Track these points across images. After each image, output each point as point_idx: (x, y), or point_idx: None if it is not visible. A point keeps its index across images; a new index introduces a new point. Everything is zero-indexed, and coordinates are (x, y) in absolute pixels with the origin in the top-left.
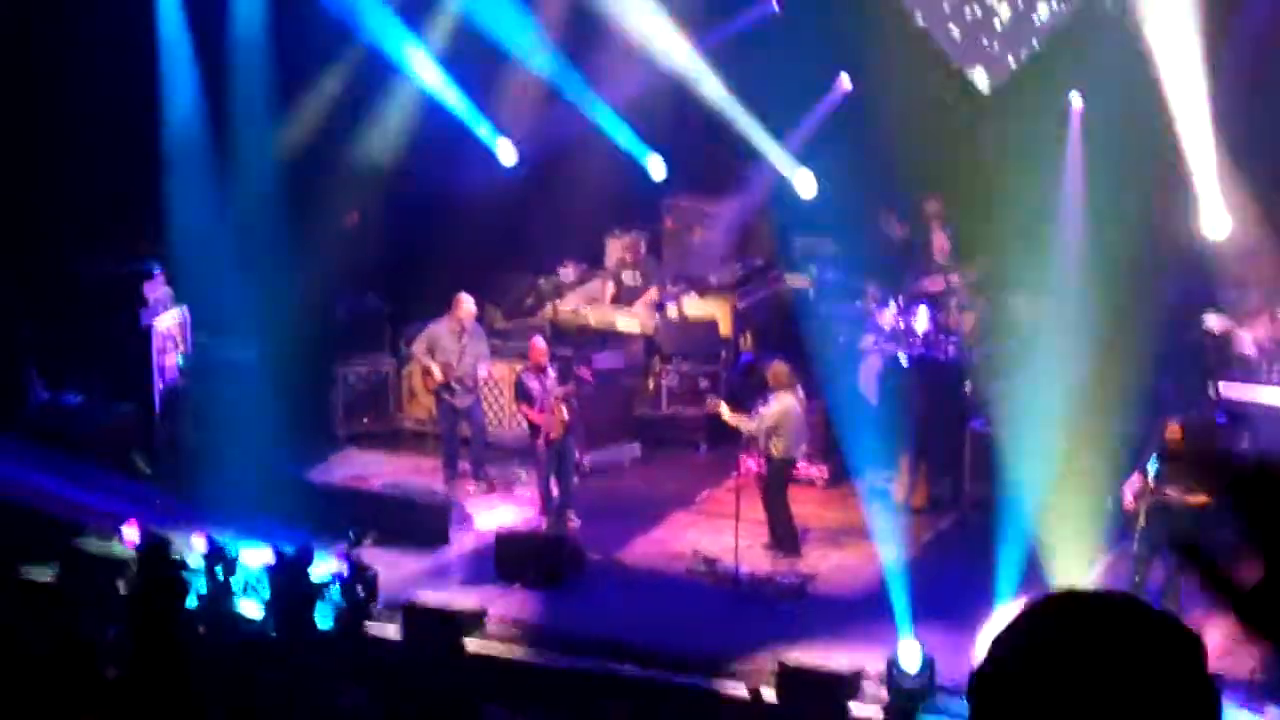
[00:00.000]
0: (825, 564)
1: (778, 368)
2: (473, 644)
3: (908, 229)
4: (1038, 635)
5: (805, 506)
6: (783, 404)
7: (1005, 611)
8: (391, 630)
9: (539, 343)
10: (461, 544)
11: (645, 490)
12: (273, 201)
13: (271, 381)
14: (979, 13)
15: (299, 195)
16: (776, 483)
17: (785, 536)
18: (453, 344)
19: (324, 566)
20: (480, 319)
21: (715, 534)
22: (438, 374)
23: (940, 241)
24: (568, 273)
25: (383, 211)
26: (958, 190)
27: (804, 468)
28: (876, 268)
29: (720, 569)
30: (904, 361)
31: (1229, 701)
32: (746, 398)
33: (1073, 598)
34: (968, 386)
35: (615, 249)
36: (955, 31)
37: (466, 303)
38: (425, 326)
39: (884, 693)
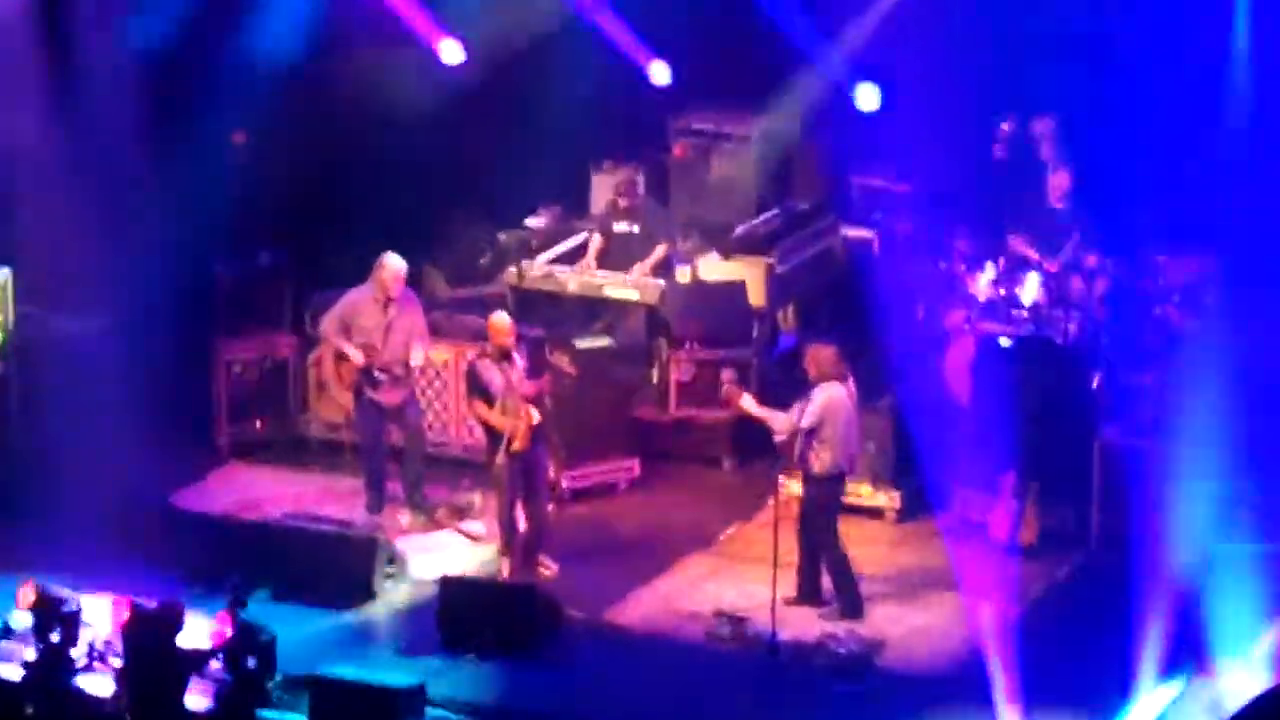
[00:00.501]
0: (896, 628)
1: (820, 352)
2: None
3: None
4: None
5: (868, 547)
6: (829, 396)
7: (1153, 699)
8: (294, 715)
9: (501, 319)
10: (391, 598)
11: (647, 523)
12: (125, 119)
13: (125, 370)
14: None
15: (162, 110)
16: (819, 509)
17: (840, 588)
18: (376, 319)
19: (200, 628)
20: (415, 286)
21: (744, 584)
22: (356, 360)
23: (1058, 179)
24: (538, 222)
25: (280, 134)
26: (1082, 109)
27: (864, 492)
28: (968, 214)
29: (751, 634)
30: (1007, 345)
31: None
32: (788, 395)
33: None
34: (1096, 380)
35: (604, 189)
36: None
37: (392, 263)
38: (340, 296)
39: None
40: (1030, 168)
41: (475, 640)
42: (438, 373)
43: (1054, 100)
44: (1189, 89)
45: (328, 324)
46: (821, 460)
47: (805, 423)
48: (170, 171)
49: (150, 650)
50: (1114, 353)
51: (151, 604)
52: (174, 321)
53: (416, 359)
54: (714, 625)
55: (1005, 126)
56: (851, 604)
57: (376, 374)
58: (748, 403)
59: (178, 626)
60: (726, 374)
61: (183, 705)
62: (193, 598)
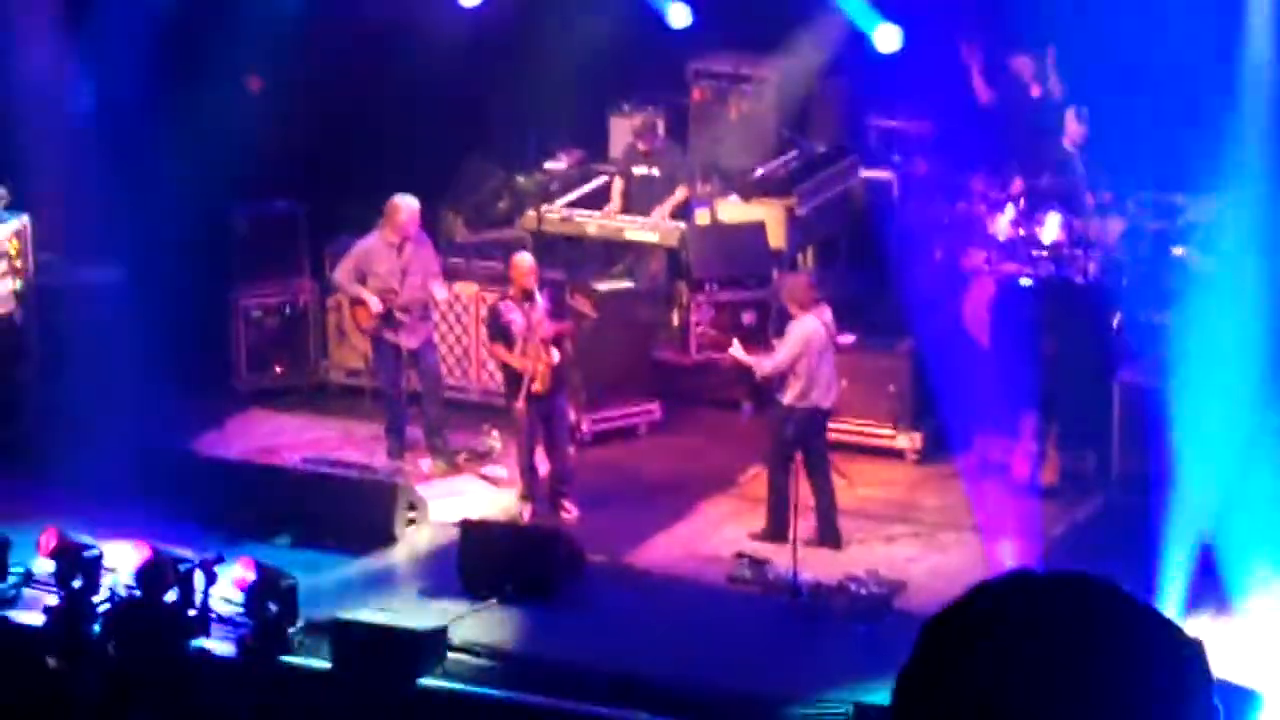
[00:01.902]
0: (918, 569)
1: (794, 282)
2: (429, 680)
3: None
4: (976, 629)
5: (890, 489)
6: (804, 329)
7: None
8: (316, 661)
9: (524, 259)
10: (413, 542)
11: (668, 467)
12: (142, 66)
13: (145, 317)
14: None
15: (179, 56)
16: (781, 439)
17: (772, 510)
18: (391, 262)
19: (221, 574)
20: (434, 230)
21: (765, 527)
22: (375, 307)
23: (1073, 125)
24: (557, 165)
25: (297, 79)
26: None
27: (886, 434)
28: (987, 156)
29: (773, 576)
30: (1027, 285)
31: None
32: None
33: (1026, 581)
34: (1117, 320)
35: (622, 132)
36: None
37: (405, 206)
38: (355, 242)
39: None
40: (1044, 115)
41: (496, 584)
42: (457, 316)
43: (1071, 34)
44: (1210, 22)
45: (342, 272)
46: (791, 391)
47: (780, 360)
48: (187, 118)
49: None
50: (1134, 293)
51: (172, 551)
52: (192, 269)
53: (440, 294)
54: (735, 568)
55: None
56: (777, 529)
57: (397, 316)
58: (738, 350)
59: (200, 572)
60: (746, 315)
61: (205, 650)
62: (213, 544)
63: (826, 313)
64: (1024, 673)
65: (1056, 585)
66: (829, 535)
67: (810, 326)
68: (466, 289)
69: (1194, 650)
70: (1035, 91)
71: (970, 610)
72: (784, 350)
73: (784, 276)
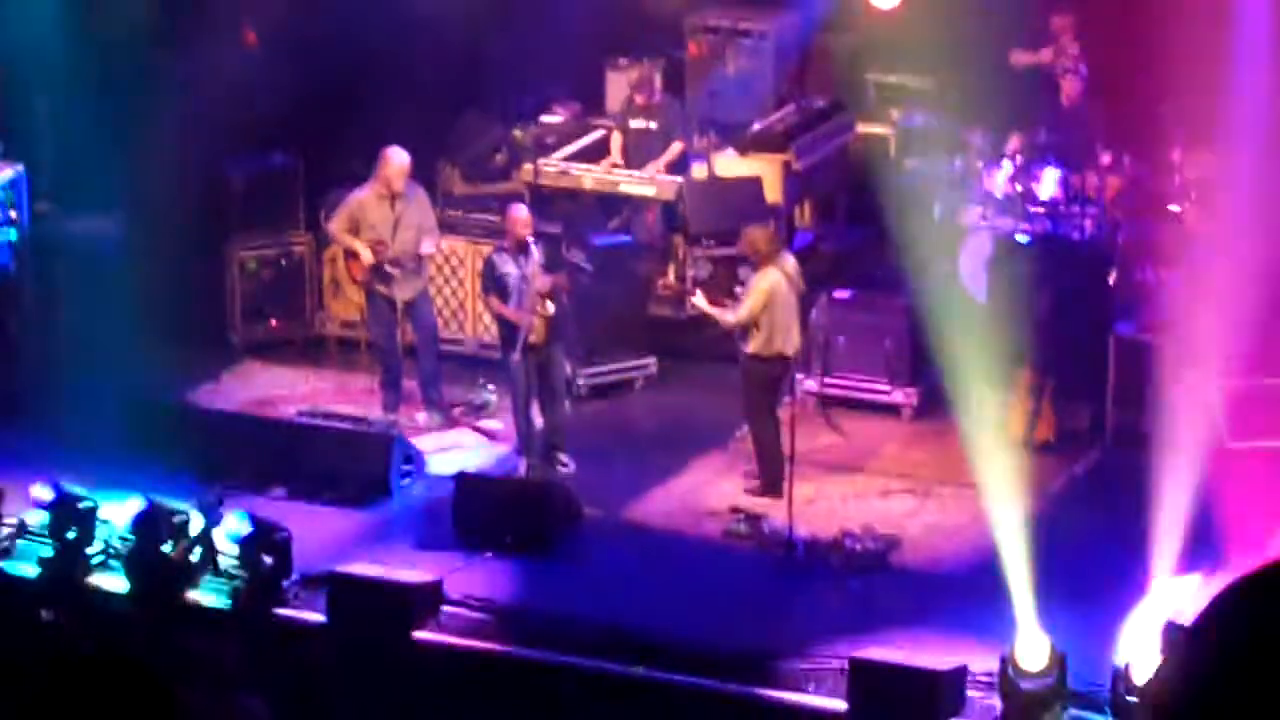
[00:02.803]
0: (913, 524)
1: (754, 233)
2: (424, 633)
3: (1039, 54)
4: (1249, 628)
5: (886, 444)
6: (768, 281)
7: (1167, 591)
8: (311, 614)
9: (519, 210)
10: (408, 495)
11: (664, 421)
12: (138, 17)
13: (140, 269)
14: None
15: (175, 7)
16: (751, 387)
17: (761, 461)
18: (383, 214)
19: (216, 525)
20: (430, 183)
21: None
22: (366, 257)
23: (1072, 83)
24: (554, 119)
25: (291, 31)
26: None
27: (882, 390)
28: (985, 110)
29: (768, 530)
30: (1023, 241)
31: None
32: (805, 294)
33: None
34: (1113, 276)
35: (619, 85)
36: None
37: (395, 158)
38: (349, 193)
39: (995, 701)
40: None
41: (492, 538)
42: (453, 269)
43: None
44: None
45: (335, 223)
46: (756, 340)
47: (744, 313)
48: (183, 70)
49: (165, 549)
50: (1130, 249)
51: (167, 502)
52: (188, 221)
53: (427, 249)
54: (731, 523)
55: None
56: (771, 481)
57: (388, 268)
58: (700, 302)
59: (195, 524)
60: (743, 271)
61: (198, 602)
62: (208, 495)
63: (789, 262)
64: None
65: None
66: (769, 478)
67: (773, 278)
68: (460, 248)
69: None
70: (1074, 49)
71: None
72: (748, 302)
73: (747, 229)
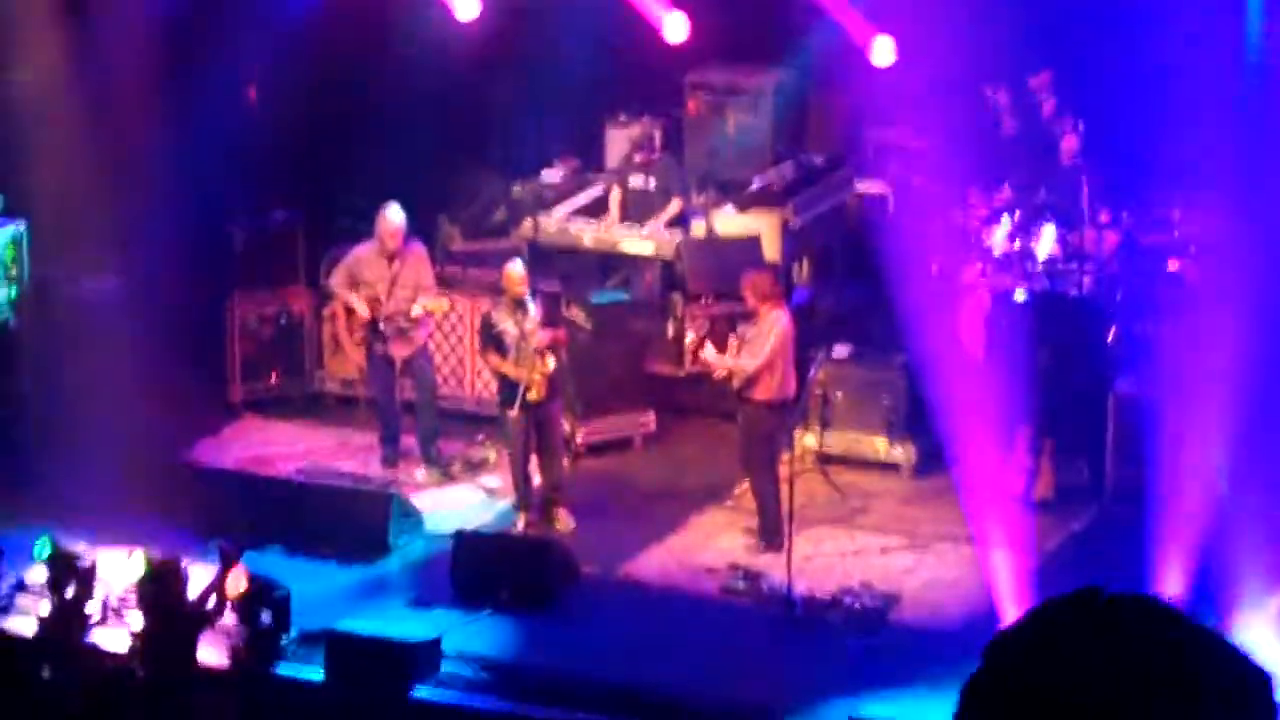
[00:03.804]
0: (913, 581)
1: (757, 277)
2: (423, 691)
3: (1023, 116)
4: (1040, 649)
5: (884, 501)
6: (781, 322)
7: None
8: (310, 671)
9: (515, 268)
10: (407, 552)
11: (662, 478)
12: (140, 72)
13: (141, 325)
14: None
15: (176, 63)
16: (760, 436)
17: (763, 514)
18: (380, 272)
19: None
20: (430, 239)
21: (758, 539)
22: (361, 312)
23: (1068, 142)
24: (553, 175)
25: (293, 88)
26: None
27: (879, 446)
28: (982, 169)
29: (767, 588)
30: (1021, 298)
31: None
32: (803, 348)
33: (1092, 600)
34: (1111, 333)
35: (619, 142)
36: None
37: (390, 216)
38: (349, 250)
39: None
40: (1040, 132)
41: (491, 595)
42: (452, 326)
43: (1068, 50)
44: (1205, 33)
45: (335, 278)
46: (767, 387)
47: (764, 355)
48: (185, 126)
49: (165, 605)
50: (1128, 306)
51: (167, 558)
52: (189, 278)
53: (416, 310)
54: (729, 579)
55: (1001, 96)
56: (772, 533)
57: (382, 327)
58: (710, 354)
59: (183, 581)
60: (740, 328)
61: (194, 660)
62: (207, 552)
63: (786, 307)
64: (1087, 694)
65: (1121, 606)
66: (771, 532)
67: (784, 324)
68: (435, 304)
69: (1261, 681)
70: (1049, 109)
71: (1035, 627)
72: (766, 344)
73: (749, 274)
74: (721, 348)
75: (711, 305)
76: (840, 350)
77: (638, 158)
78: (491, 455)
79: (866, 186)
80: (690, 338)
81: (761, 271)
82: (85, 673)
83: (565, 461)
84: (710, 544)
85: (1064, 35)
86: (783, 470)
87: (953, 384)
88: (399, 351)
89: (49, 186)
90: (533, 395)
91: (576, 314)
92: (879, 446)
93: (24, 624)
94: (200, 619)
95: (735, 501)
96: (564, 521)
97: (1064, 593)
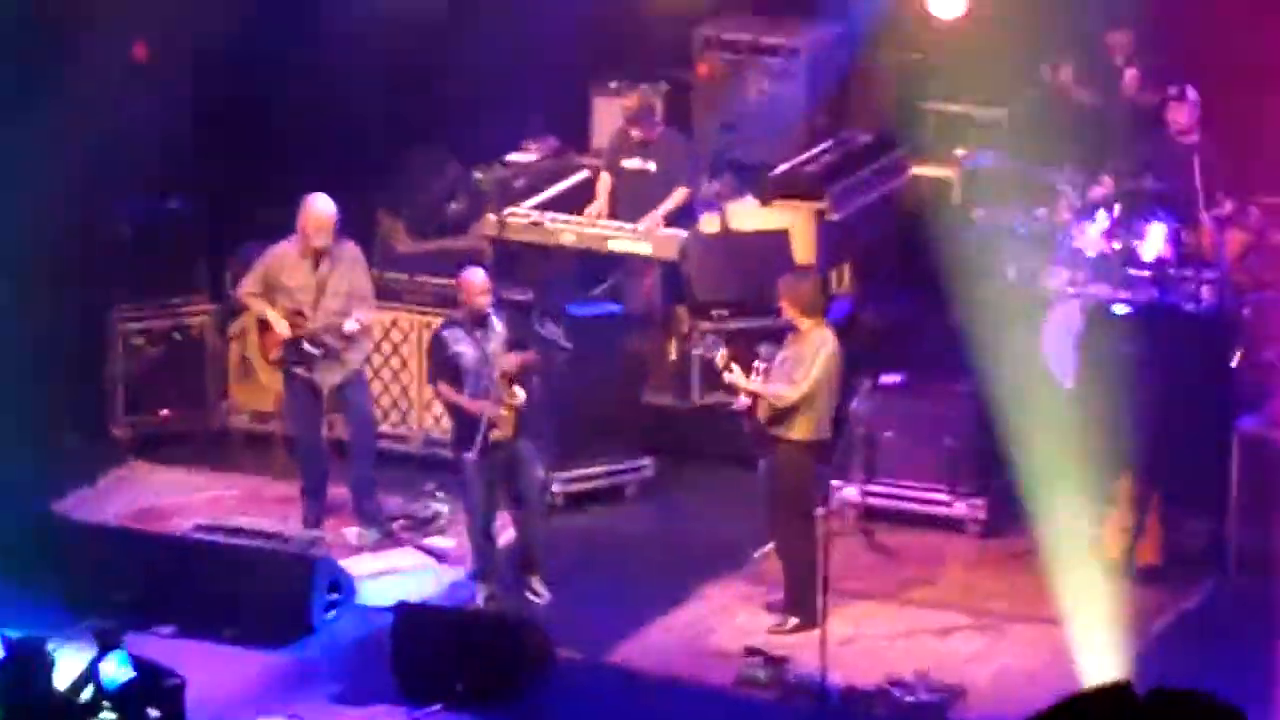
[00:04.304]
0: (981, 671)
1: (801, 285)
2: None
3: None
4: None
5: (945, 569)
6: (828, 346)
7: None
8: None
9: (474, 276)
10: (335, 632)
11: (662, 537)
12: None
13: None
14: None
15: (45, 17)
16: (799, 484)
17: (795, 585)
18: (303, 277)
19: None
20: (367, 237)
21: (784, 615)
22: (281, 330)
23: (1178, 111)
24: (525, 157)
25: (193, 43)
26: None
27: (941, 500)
28: (1074, 148)
29: (793, 677)
30: (1122, 312)
31: None
32: (843, 377)
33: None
34: (1236, 357)
35: (609, 115)
36: None
37: (316, 208)
38: (265, 249)
39: None
40: (1129, 104)
41: (442, 687)
42: (395, 346)
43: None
44: None
45: (247, 285)
46: (805, 424)
47: (810, 383)
48: (55, 95)
49: (26, 696)
50: (1257, 323)
51: (28, 638)
52: (61, 283)
53: (349, 326)
54: (746, 666)
55: (1063, 73)
56: (806, 609)
57: (305, 347)
58: (737, 377)
59: (49, 668)
60: (763, 350)
61: None
62: (81, 630)
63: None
64: None
65: (1164, 706)
66: (800, 602)
67: (832, 345)
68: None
69: None
70: (1134, 74)
71: None
72: (813, 370)
73: (789, 281)
74: (744, 374)
75: (725, 319)
76: (890, 377)
77: (633, 134)
78: (444, 510)
79: (925, 171)
80: (721, 353)
81: (804, 276)
82: None
83: (540, 517)
84: (723, 622)
85: None
86: (817, 529)
87: (1033, 420)
88: (327, 378)
89: None
90: (497, 434)
91: (552, 331)
92: (938, 499)
93: None
94: (70, 717)
95: (755, 568)
96: (537, 593)
97: (1100, 686)
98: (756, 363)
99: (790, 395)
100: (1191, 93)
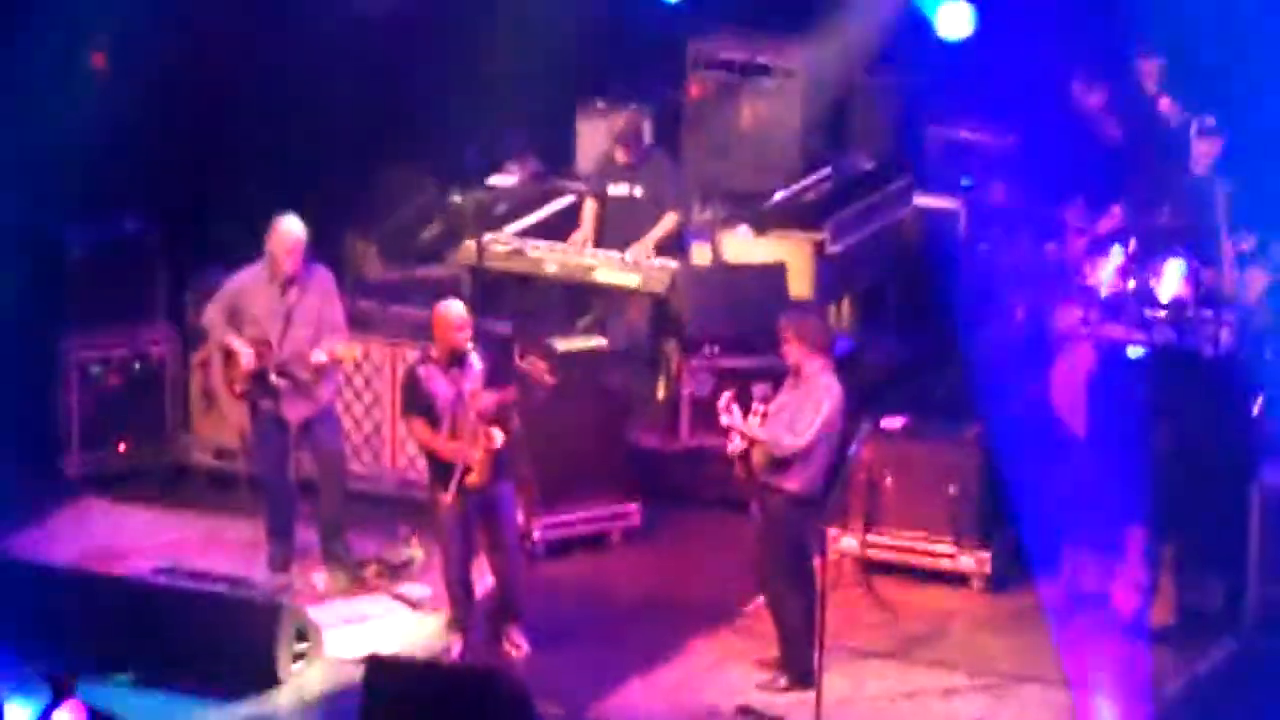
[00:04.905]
0: None
1: (805, 323)
2: None
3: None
4: None
5: (949, 625)
6: (834, 393)
7: None
8: None
9: (451, 309)
10: (301, 684)
11: (648, 588)
12: None
13: None
14: None
15: None
16: (795, 538)
17: (791, 644)
18: (271, 305)
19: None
20: (338, 263)
21: (778, 672)
22: (246, 360)
23: (1201, 143)
24: (506, 180)
25: (156, 53)
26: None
27: (945, 553)
28: (1086, 180)
29: None
30: (1136, 355)
31: None
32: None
33: None
34: (1258, 403)
35: (595, 136)
36: None
37: (285, 229)
38: (230, 273)
39: None
40: (1157, 133)
41: None
42: (367, 380)
43: (1193, 30)
44: None
45: (211, 312)
46: (802, 475)
47: (812, 432)
48: (6, 106)
49: None
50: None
51: None
52: (9, 309)
53: (318, 358)
54: None
55: (1095, 99)
56: (797, 666)
57: (272, 379)
58: (735, 420)
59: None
60: (758, 389)
61: None
62: (28, 680)
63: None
64: None
65: None
66: (796, 663)
67: (837, 389)
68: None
69: None
70: (1165, 104)
71: None
72: (817, 418)
73: (790, 318)
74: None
75: (718, 356)
76: (892, 421)
77: (619, 157)
78: (418, 555)
79: (930, 202)
80: (725, 395)
81: (808, 313)
82: None
83: (519, 564)
84: (713, 679)
85: (1183, 18)
86: (813, 581)
87: (1042, 469)
88: (295, 412)
89: None
90: (474, 477)
91: (535, 366)
92: (942, 551)
93: None
94: None
95: (748, 622)
96: (516, 645)
97: None
98: (755, 404)
99: (791, 445)
100: (1211, 123)
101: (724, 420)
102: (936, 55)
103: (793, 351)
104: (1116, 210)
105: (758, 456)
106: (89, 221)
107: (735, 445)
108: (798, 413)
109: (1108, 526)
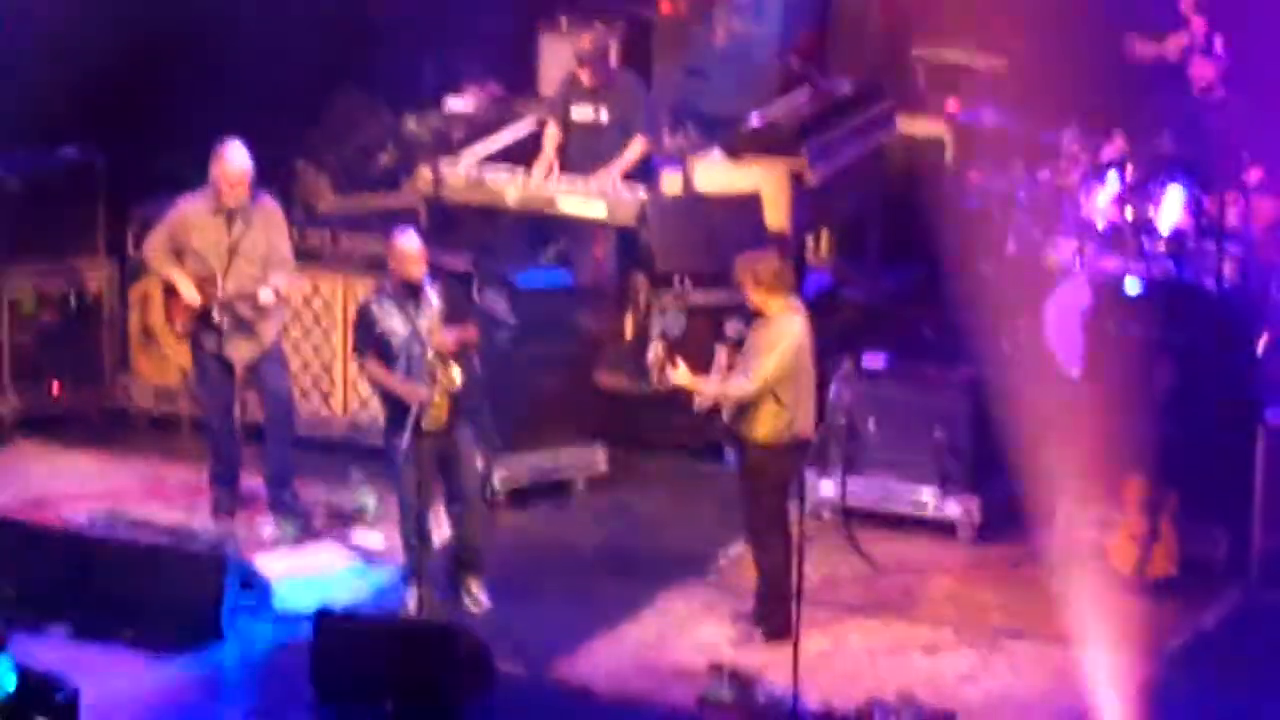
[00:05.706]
0: (973, 693)
1: (760, 263)
2: None
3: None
4: None
5: (934, 578)
6: (790, 330)
7: None
8: None
9: (406, 242)
10: (247, 639)
11: (615, 538)
12: None
13: None
14: None
15: None
16: (766, 487)
17: (769, 598)
18: (214, 237)
19: None
20: (287, 193)
21: (753, 627)
22: (189, 296)
23: (1202, 66)
24: (463, 104)
25: None
26: None
27: (927, 498)
28: (1082, 103)
29: (764, 697)
30: (1135, 290)
31: None
32: (821, 361)
33: None
34: (1262, 342)
35: (558, 57)
36: None
37: (231, 158)
38: (172, 203)
39: None
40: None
41: (368, 703)
42: (316, 317)
43: None
44: None
45: (152, 244)
46: (768, 420)
47: (759, 379)
48: None
49: None
50: None
51: None
52: None
53: (265, 296)
54: (710, 685)
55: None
56: (773, 620)
57: (216, 317)
58: (681, 375)
59: None
60: (730, 326)
61: None
62: None
63: (800, 304)
64: None
65: None
66: (775, 615)
67: (795, 326)
68: (293, 285)
69: None
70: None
71: None
72: (765, 362)
73: (746, 258)
74: (702, 361)
75: (688, 292)
76: (873, 360)
77: (584, 79)
78: (372, 503)
79: (914, 127)
80: (654, 350)
81: (764, 252)
82: None
83: (480, 513)
84: (684, 635)
85: None
86: (791, 532)
87: (1034, 411)
88: (240, 352)
89: None
90: (431, 420)
91: (494, 303)
92: (927, 499)
93: None
94: None
95: (721, 574)
96: (475, 599)
97: None
98: (719, 344)
99: (742, 391)
100: (1218, 48)
101: (670, 377)
102: None
103: (749, 291)
104: (1119, 138)
105: (724, 407)
106: (25, 151)
107: (701, 400)
108: (752, 356)
109: (1105, 473)
